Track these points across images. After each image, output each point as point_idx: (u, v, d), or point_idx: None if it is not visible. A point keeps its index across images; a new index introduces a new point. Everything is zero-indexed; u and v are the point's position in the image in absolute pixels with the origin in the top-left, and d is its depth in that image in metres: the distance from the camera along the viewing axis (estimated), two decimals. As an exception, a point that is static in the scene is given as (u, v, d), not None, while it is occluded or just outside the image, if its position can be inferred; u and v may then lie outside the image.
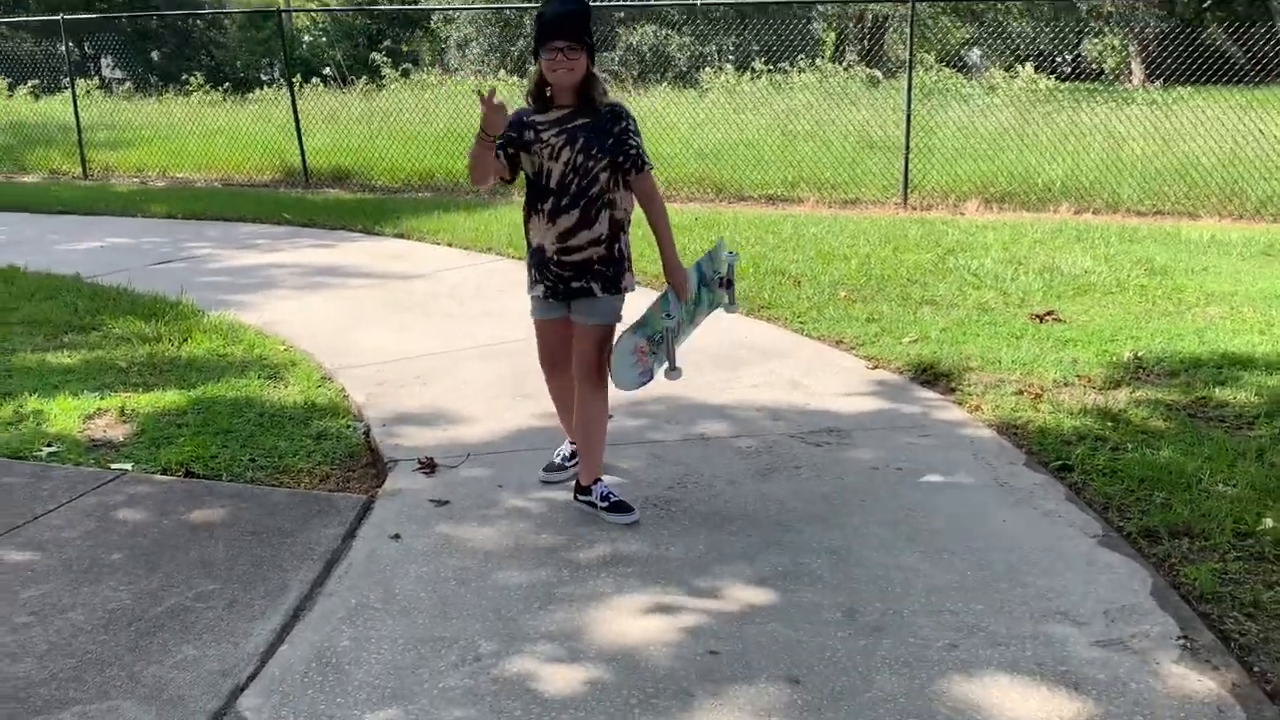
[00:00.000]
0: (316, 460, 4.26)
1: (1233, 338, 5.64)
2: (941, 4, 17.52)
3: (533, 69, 3.51)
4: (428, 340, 6.04)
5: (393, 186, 13.03)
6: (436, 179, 13.04)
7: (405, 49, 36.72)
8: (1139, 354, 5.36)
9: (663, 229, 3.56)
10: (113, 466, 4.21)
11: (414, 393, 5.12)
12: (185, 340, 5.94)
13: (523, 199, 3.63)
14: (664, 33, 25.68)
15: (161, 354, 5.69)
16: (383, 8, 32.22)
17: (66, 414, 4.75)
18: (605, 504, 3.67)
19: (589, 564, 3.35)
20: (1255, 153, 10.93)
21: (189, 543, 3.53)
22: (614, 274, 3.57)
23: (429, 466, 4.15)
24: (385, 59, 20.81)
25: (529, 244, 3.65)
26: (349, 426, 4.65)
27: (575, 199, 3.48)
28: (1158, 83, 15.76)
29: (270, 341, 5.99)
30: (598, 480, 3.72)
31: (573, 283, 3.55)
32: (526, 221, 3.64)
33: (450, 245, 9.01)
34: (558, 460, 4.06)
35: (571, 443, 3.99)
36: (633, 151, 3.49)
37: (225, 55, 34.46)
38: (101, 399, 4.96)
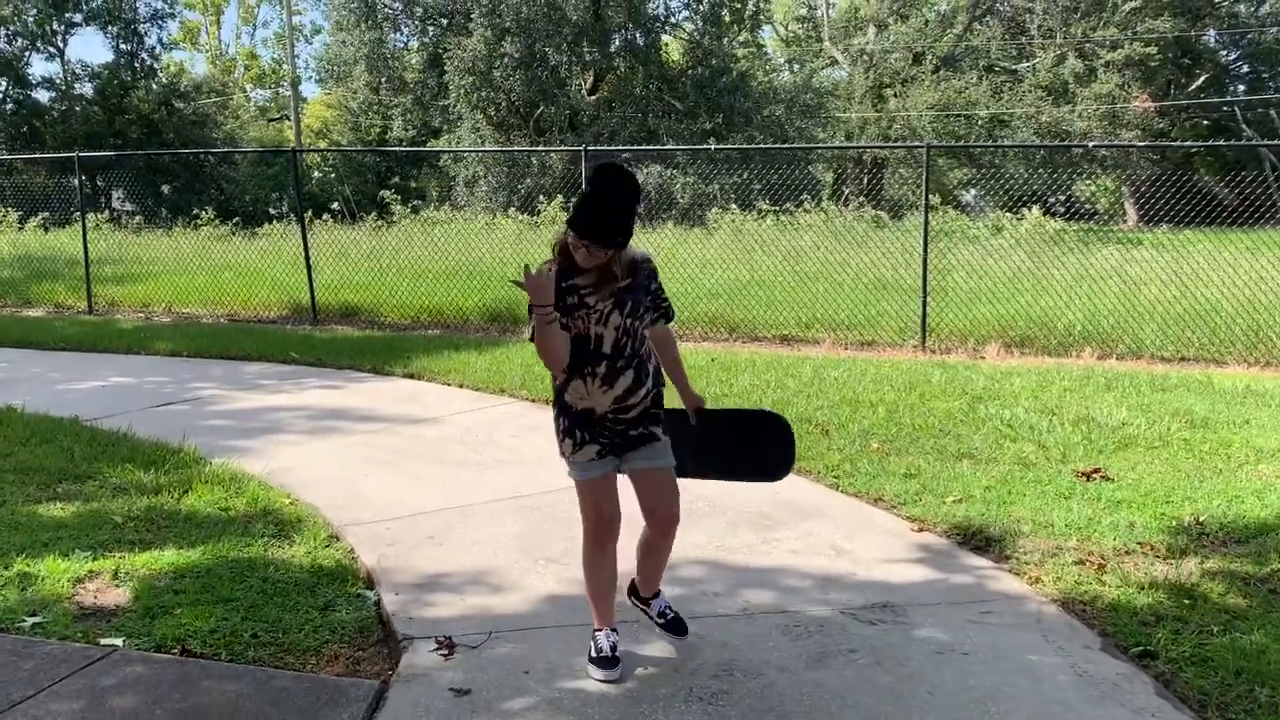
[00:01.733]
0: (324, 637, 3.89)
1: (1295, 500, 5.33)
2: (944, 149, 17.77)
3: (562, 232, 3.34)
4: (440, 492, 5.72)
5: (401, 323, 12.89)
6: (446, 316, 12.90)
7: (414, 186, 37.43)
8: (1200, 518, 5.04)
9: (681, 365, 3.69)
10: (102, 642, 3.84)
11: (428, 555, 4.77)
12: (186, 492, 5.61)
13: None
14: (669, 173, 26.12)
15: (161, 507, 5.36)
16: (392, 148, 32.86)
17: (55, 577, 4.40)
18: (662, 620, 3.81)
19: (634, 773, 2.97)
20: (1273, 298, 10.83)
21: (182, 741, 3.15)
22: (660, 411, 3.55)
23: (448, 647, 3.78)
24: (394, 196, 21.05)
25: (569, 406, 3.47)
26: (359, 596, 4.30)
27: (629, 361, 3.41)
28: (1162, 226, 15.84)
29: (275, 494, 5.66)
30: (658, 594, 3.84)
31: (630, 432, 3.47)
32: (565, 386, 3.45)
33: (462, 386, 8.77)
34: (606, 652, 3.59)
35: (613, 629, 3.65)
36: (665, 304, 3.52)
37: (235, 190, 35.03)
38: (94, 559, 4.61)
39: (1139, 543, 4.77)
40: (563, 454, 3.52)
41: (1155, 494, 5.46)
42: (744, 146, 19.91)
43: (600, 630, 3.64)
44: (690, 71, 31.82)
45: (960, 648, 3.78)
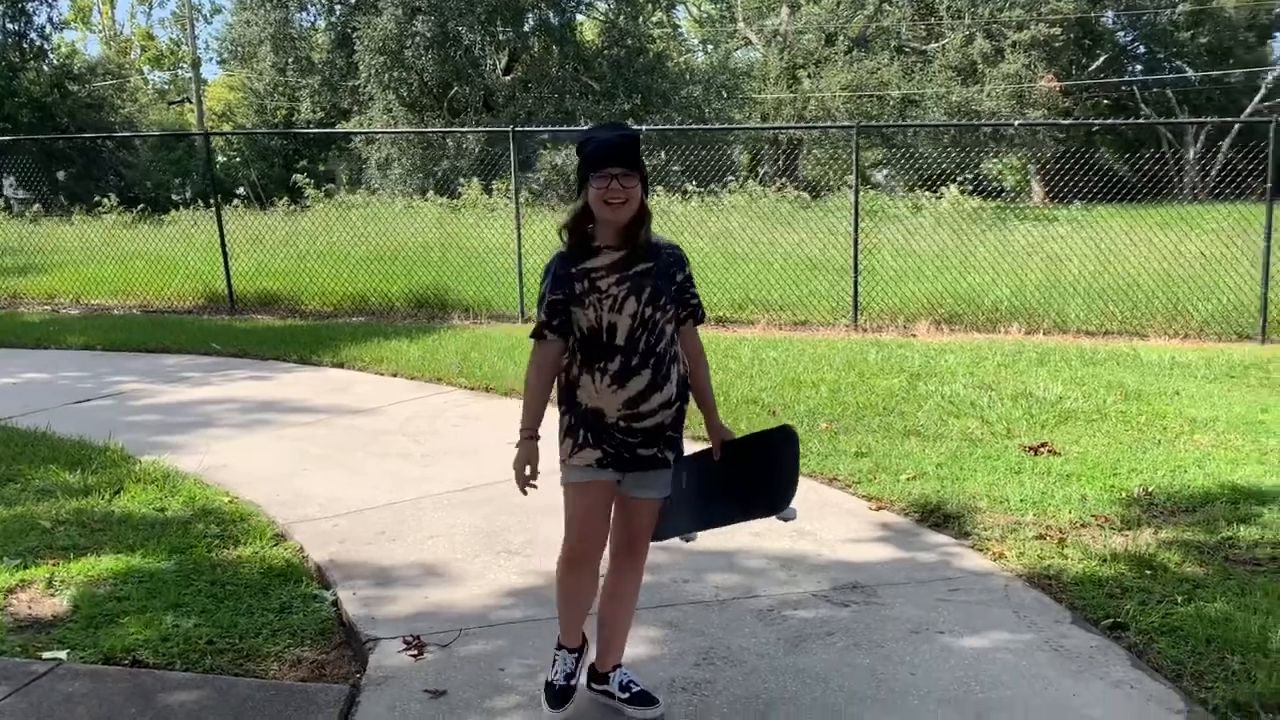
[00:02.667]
0: (284, 641, 3.72)
1: (1233, 469, 5.48)
2: (869, 128, 17.97)
3: (574, 205, 2.99)
4: (387, 486, 5.54)
5: (324, 311, 12.54)
6: (370, 303, 12.59)
7: (322, 169, 36.54)
8: (1148, 489, 5.14)
9: (710, 389, 3.20)
10: (44, 656, 3.61)
11: (381, 551, 4.61)
12: (118, 492, 5.34)
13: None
14: (589, 154, 25.88)
15: (91, 509, 5.09)
16: (307, 130, 31.99)
17: (-17, 588, 4.14)
18: (626, 695, 3.19)
19: (627, 770, 2.89)
20: (1187, 272, 11.17)
21: (145, 759, 2.97)
22: (680, 438, 3.12)
23: (417, 646, 3.65)
24: (307, 180, 20.51)
25: (576, 404, 3.03)
26: (315, 596, 4.13)
27: (645, 358, 2.97)
28: (1076, 203, 16.24)
29: (213, 492, 5.42)
30: (618, 666, 3.25)
31: (639, 450, 3.02)
32: (574, 381, 3.04)
33: (396, 375, 8.55)
34: (559, 681, 3.20)
35: (573, 651, 3.22)
36: (694, 300, 3.09)
37: (135, 175, 33.76)
38: (24, 567, 4.35)
39: (1093, 515, 4.84)
40: (560, 456, 3.08)
41: (1102, 466, 5.55)
42: (666, 127, 19.84)
43: (561, 650, 3.22)
44: (606, 52, 31.62)
45: (935, 626, 3.77)
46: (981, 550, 4.50)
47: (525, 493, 3.08)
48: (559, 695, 3.16)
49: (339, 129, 30.90)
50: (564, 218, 3.03)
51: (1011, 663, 3.49)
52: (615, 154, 2.89)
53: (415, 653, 3.61)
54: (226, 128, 43.36)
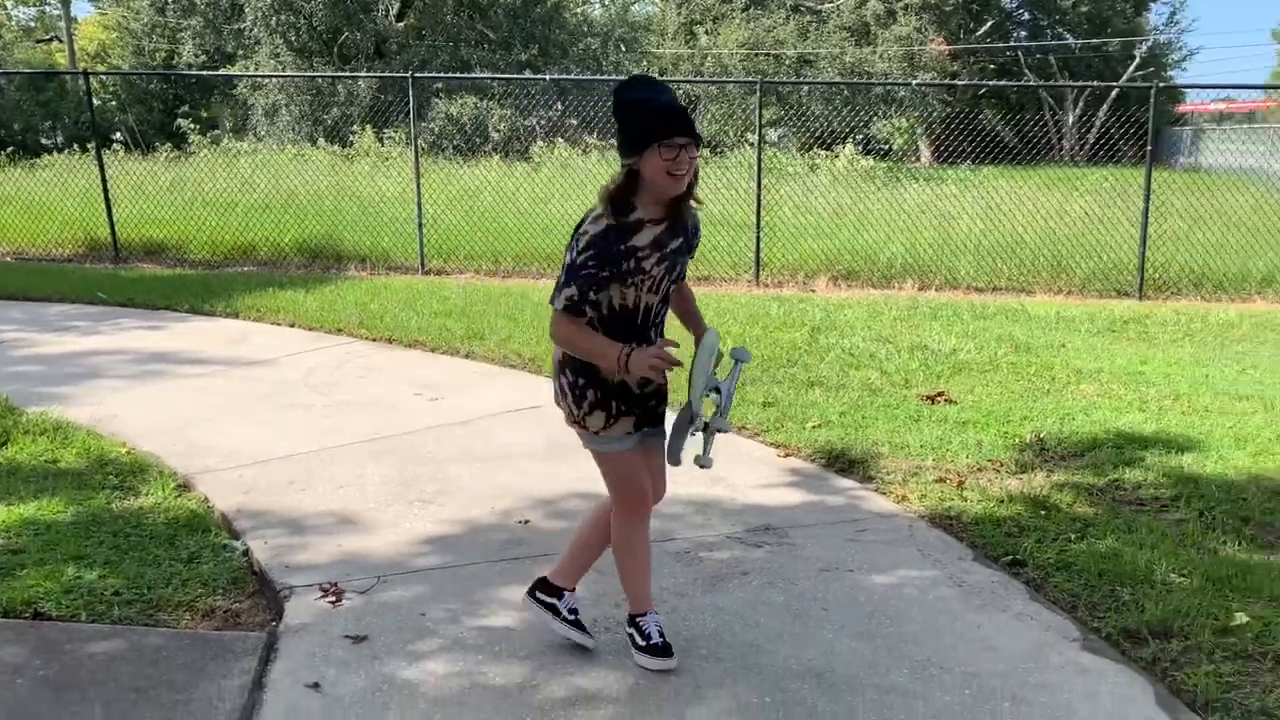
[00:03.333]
0: (195, 591, 3.64)
1: (1117, 416, 5.77)
2: (774, 83, 18.08)
3: (618, 171, 2.82)
4: (291, 437, 5.44)
5: (214, 260, 12.12)
6: (261, 252, 12.22)
7: (205, 115, 35.14)
8: (1040, 435, 5.38)
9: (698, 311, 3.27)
10: (-63, 611, 3.47)
11: (291, 501, 4.54)
12: (3, 444, 5.12)
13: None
14: (485, 104, 25.49)
15: (-24, 462, 4.87)
16: (184, 72, 30.65)
17: None
18: (645, 643, 3.17)
19: (554, 706, 2.93)
20: (1070, 231, 11.63)
21: (56, 710, 2.89)
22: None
23: (335, 594, 3.61)
24: (192, 125, 19.72)
25: (599, 379, 2.94)
26: (225, 546, 4.04)
27: (659, 327, 3.01)
28: (965, 164, 16.70)
29: (107, 442, 5.23)
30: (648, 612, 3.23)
31: (653, 405, 3.07)
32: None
33: (294, 326, 8.34)
34: (656, 640, 3.17)
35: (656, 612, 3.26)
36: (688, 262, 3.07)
37: (1, 116, 31.90)
38: (-93, 521, 4.15)
39: (989, 460, 5.05)
40: (585, 426, 2.99)
41: (996, 414, 5.78)
42: (567, 77, 19.59)
43: (644, 616, 3.20)
44: (503, 0, 31.03)
45: (844, 565, 3.90)
46: (885, 494, 4.65)
47: (672, 369, 2.84)
48: (664, 649, 3.14)
49: (225, 73, 29.71)
50: (608, 183, 2.83)
51: (918, 598, 3.64)
52: (684, 122, 2.73)
53: (333, 599, 3.58)
54: (101, 69, 41.25)
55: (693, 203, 2.93)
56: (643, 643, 3.17)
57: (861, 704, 2.96)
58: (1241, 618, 3.36)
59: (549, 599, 3.28)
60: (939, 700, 2.97)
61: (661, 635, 3.17)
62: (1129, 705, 2.95)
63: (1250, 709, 2.91)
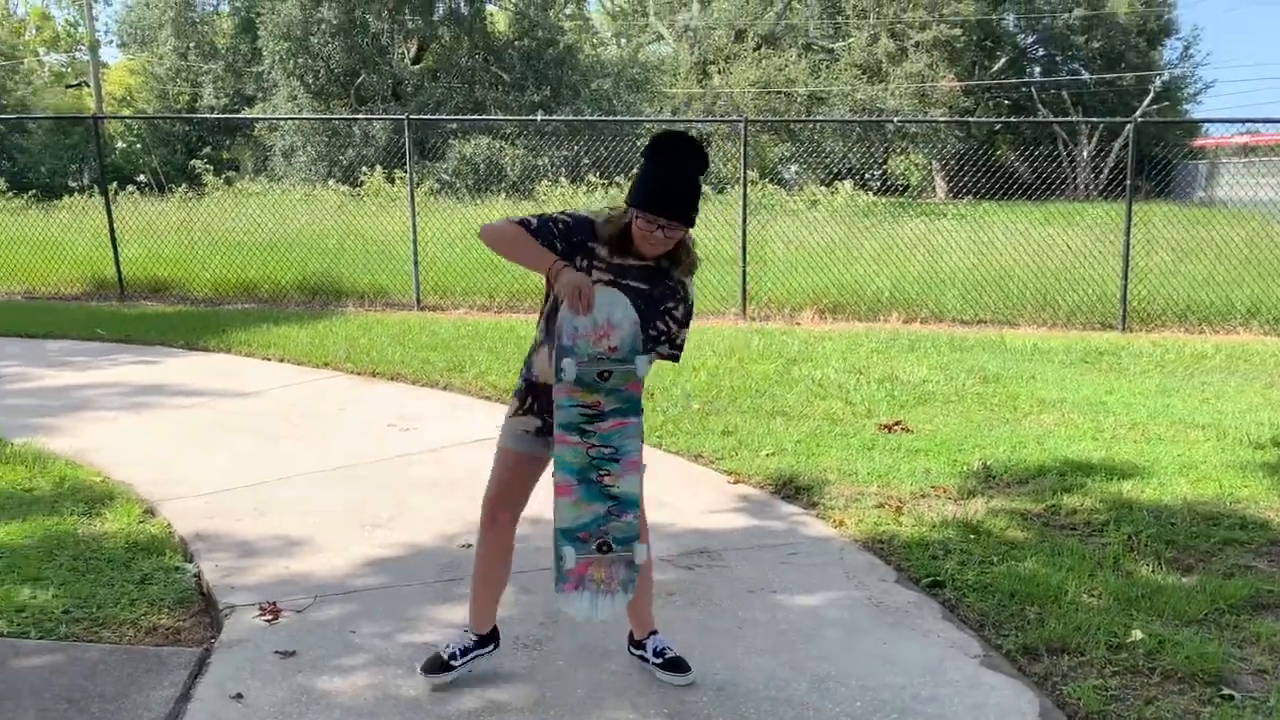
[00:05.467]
0: (142, 609, 3.82)
1: (1069, 444, 5.87)
2: (762, 123, 18.32)
3: (620, 212, 2.97)
4: (264, 466, 5.63)
5: (215, 298, 12.42)
6: (261, 290, 12.51)
7: (225, 156, 35.83)
8: (988, 463, 5.49)
9: None
10: (-106, 627, 3.65)
11: (250, 526, 4.71)
12: (-17, 473, 5.34)
13: None
14: (498, 145, 25.92)
15: (-45, 490, 5.08)
16: (204, 115, 31.34)
17: None
18: (660, 660, 3.27)
19: (463, 717, 3.07)
20: (1059, 264, 11.74)
21: (-10, 718, 3.06)
22: None
23: (272, 612, 3.78)
24: (206, 166, 20.18)
25: (532, 376, 3.11)
26: (177, 568, 4.22)
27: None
28: (966, 198, 16.84)
29: (84, 472, 5.44)
30: (655, 632, 3.34)
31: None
32: (535, 348, 3.13)
33: (283, 360, 8.57)
34: (447, 655, 3.24)
35: (478, 635, 3.28)
36: (670, 348, 3.08)
37: (29, 160, 32.70)
38: (-119, 545, 4.35)
39: (933, 486, 5.16)
40: (506, 413, 3.18)
41: (949, 443, 5.90)
42: (572, 119, 19.95)
43: (474, 634, 3.28)
44: (517, 43, 31.60)
45: (769, 586, 4.03)
46: (825, 519, 4.78)
47: (585, 310, 2.83)
48: (432, 667, 3.23)
49: (233, 116, 30.34)
50: (613, 209, 2.99)
51: (834, 616, 3.76)
52: (668, 205, 2.85)
53: (270, 617, 3.74)
54: (126, 113, 42.16)
55: (686, 276, 3.02)
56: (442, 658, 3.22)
57: (754, 713, 3.08)
58: (1137, 634, 3.47)
59: (638, 652, 3.34)
60: (829, 711, 3.10)
61: (456, 659, 3.21)
62: (1011, 716, 3.06)
63: (1128, 720, 3.02)
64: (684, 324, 3.07)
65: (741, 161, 11.25)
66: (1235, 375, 7.97)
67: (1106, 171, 37.01)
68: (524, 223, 2.96)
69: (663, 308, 3.01)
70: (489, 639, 3.31)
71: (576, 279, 2.83)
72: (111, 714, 3.10)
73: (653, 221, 2.86)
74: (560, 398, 2.94)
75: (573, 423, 2.94)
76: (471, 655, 3.26)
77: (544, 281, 3.00)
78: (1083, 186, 37.01)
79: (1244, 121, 32.77)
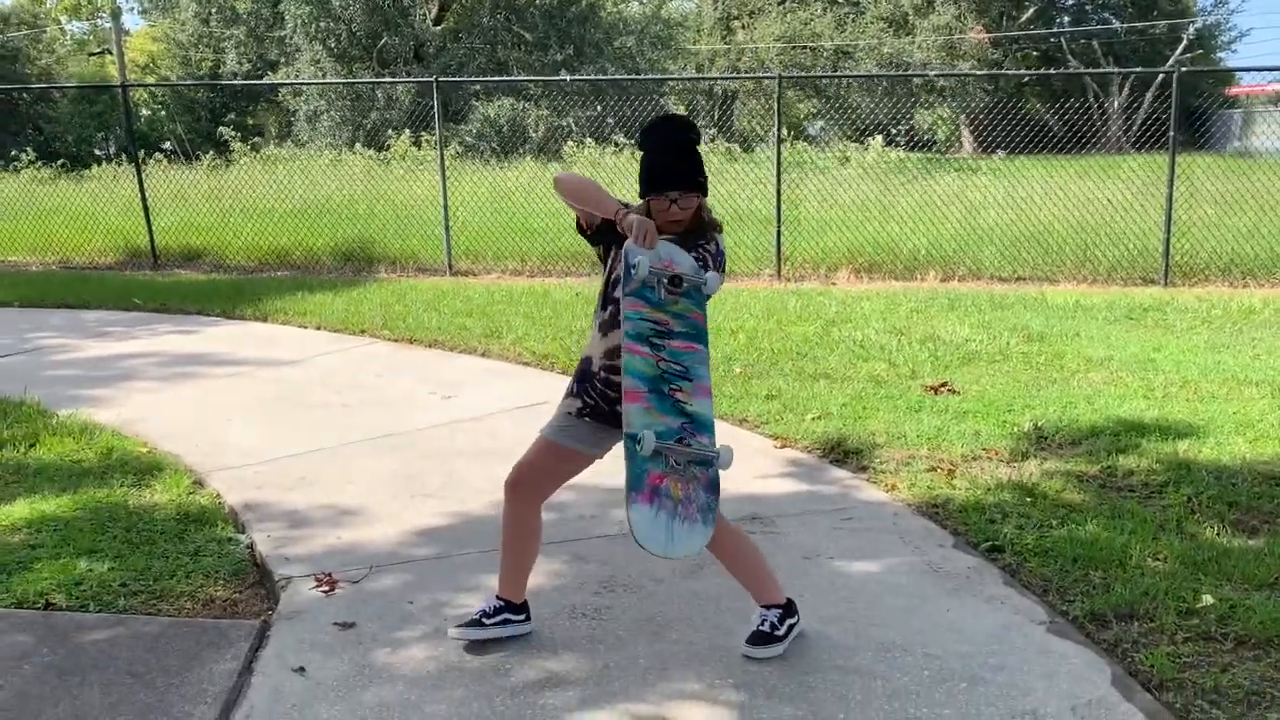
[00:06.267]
0: (198, 581, 3.82)
1: (1120, 404, 5.77)
2: (795, 79, 18.07)
3: (639, 205, 3.08)
4: (307, 435, 5.62)
5: (249, 266, 12.44)
6: (295, 257, 12.51)
7: (250, 122, 35.81)
8: (1039, 424, 5.40)
9: None
10: (-45, 602, 3.68)
11: (299, 496, 4.71)
12: (33, 445, 5.36)
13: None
14: (521, 105, 25.72)
15: (5, 461, 5.11)
16: (228, 82, 31.27)
17: (-105, 539, 4.17)
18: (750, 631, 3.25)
19: (525, 689, 3.05)
20: (1098, 219, 11.53)
21: (58, 693, 3.07)
22: None
23: (328, 583, 3.77)
24: (234, 133, 20.16)
25: (585, 363, 3.22)
26: (230, 539, 4.22)
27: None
28: (999, 153, 16.56)
29: (130, 443, 5.46)
30: (768, 606, 3.30)
31: (618, 405, 3.02)
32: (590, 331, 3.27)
33: (320, 328, 8.57)
34: (478, 613, 3.32)
35: (499, 598, 3.32)
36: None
37: (56, 130, 32.81)
38: (-63, 519, 4.38)
39: (984, 448, 5.09)
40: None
41: (998, 404, 5.81)
42: (599, 78, 19.73)
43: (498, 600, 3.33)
44: (539, 1, 31.24)
45: (826, 552, 3.99)
46: (876, 483, 4.72)
47: (649, 243, 2.90)
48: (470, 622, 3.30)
49: (256, 82, 30.26)
50: (634, 206, 3.07)
51: (894, 583, 3.72)
52: (671, 178, 2.98)
53: (326, 589, 3.73)
54: (151, 80, 42.17)
55: (713, 232, 3.14)
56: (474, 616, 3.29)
57: (821, 683, 3.05)
58: (1207, 600, 3.40)
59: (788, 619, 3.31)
60: (897, 681, 3.05)
61: (487, 618, 3.27)
62: (1084, 685, 3.00)
63: (1204, 688, 2.96)
64: (721, 268, 3.16)
65: (776, 119, 11.08)
66: (1286, 330, 7.81)
67: (1139, 124, 36.34)
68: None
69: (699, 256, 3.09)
70: (520, 608, 3.33)
71: (643, 219, 2.94)
72: (175, 687, 3.10)
73: (665, 198, 3.00)
74: (629, 310, 2.93)
75: (642, 334, 2.94)
76: (501, 618, 3.29)
77: (590, 252, 3.08)
78: (1115, 139, 36.41)
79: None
